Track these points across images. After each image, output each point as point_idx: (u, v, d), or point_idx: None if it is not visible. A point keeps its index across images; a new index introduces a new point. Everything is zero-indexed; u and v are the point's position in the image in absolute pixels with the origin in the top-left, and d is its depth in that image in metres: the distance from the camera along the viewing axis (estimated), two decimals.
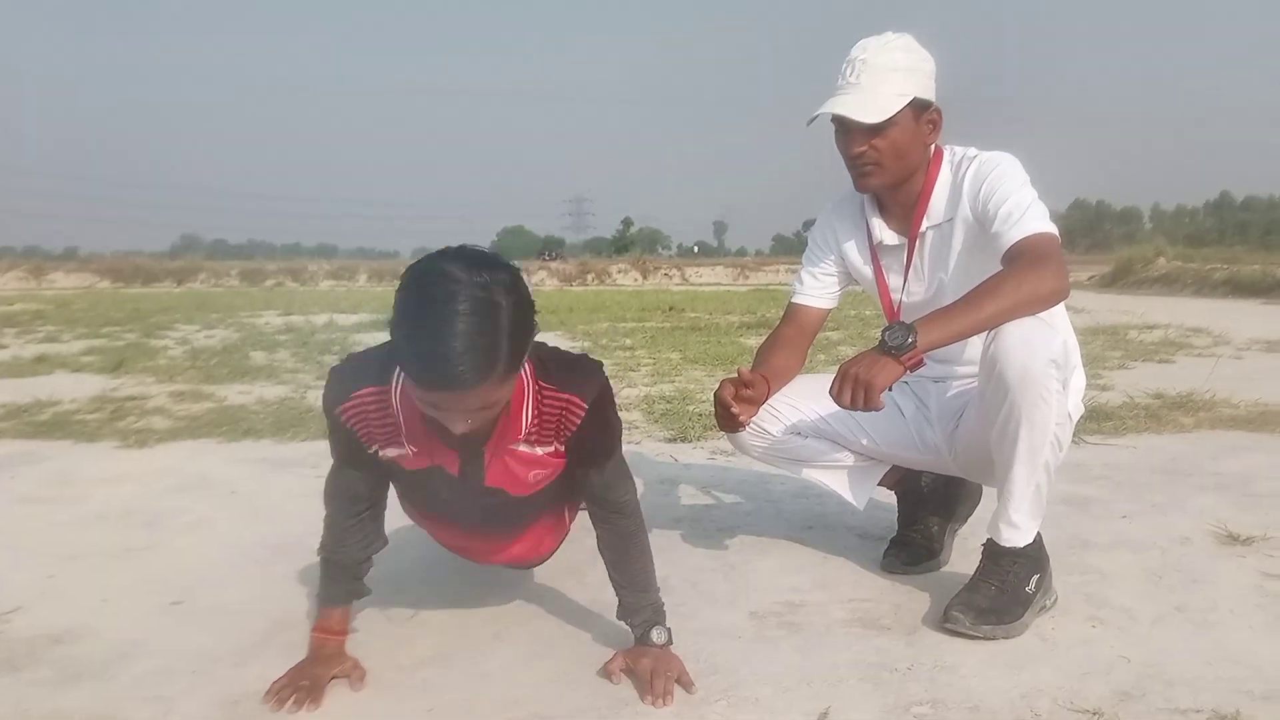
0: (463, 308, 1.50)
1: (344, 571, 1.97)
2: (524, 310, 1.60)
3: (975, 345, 2.18)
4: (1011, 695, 1.82)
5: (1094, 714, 1.73)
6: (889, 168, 2.26)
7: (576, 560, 2.47)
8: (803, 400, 2.45)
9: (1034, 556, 2.17)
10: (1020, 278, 2.02)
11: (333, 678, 1.88)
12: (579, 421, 1.85)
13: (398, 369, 1.76)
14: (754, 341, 8.41)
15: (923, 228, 2.34)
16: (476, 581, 2.44)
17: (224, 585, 2.46)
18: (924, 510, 2.59)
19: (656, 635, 1.92)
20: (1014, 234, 2.10)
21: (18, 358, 7.74)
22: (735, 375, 2.25)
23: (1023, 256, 2.07)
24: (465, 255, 1.57)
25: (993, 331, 2.03)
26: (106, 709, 1.81)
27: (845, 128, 2.25)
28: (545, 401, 1.85)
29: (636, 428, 4.55)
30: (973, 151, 2.32)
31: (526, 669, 1.97)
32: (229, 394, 5.72)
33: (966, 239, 2.28)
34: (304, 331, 10.09)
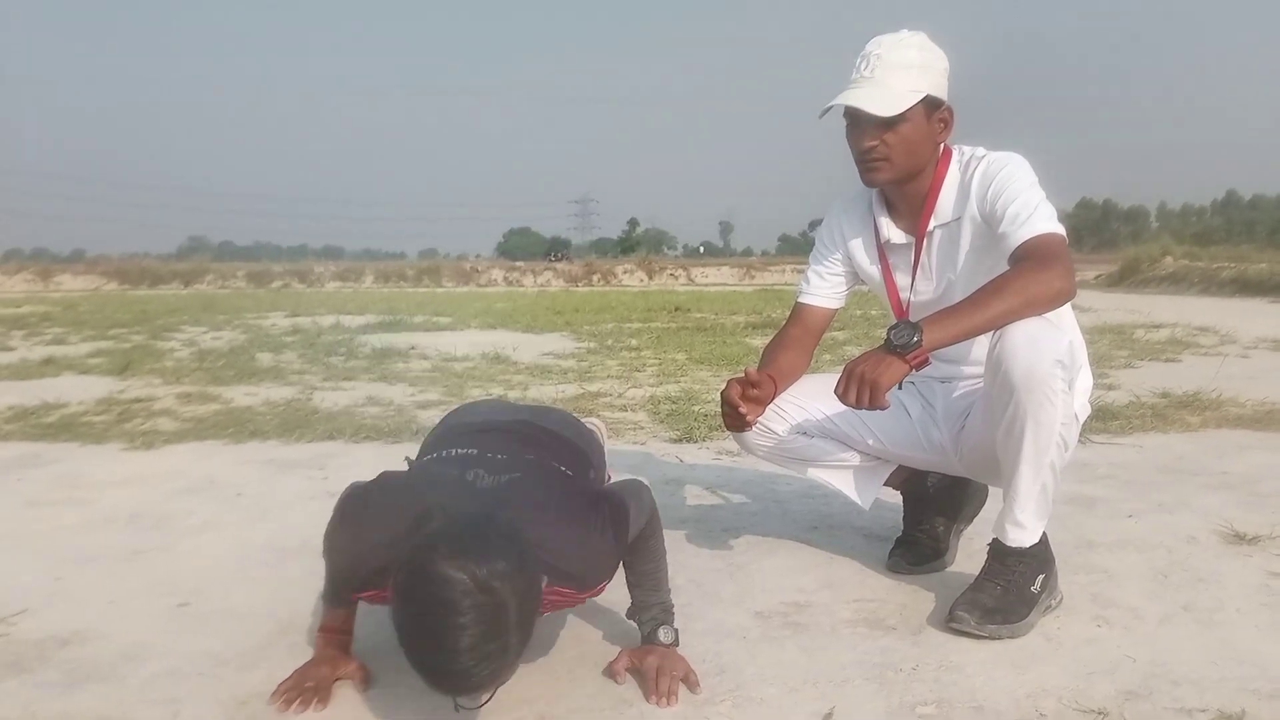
0: (466, 620, 1.42)
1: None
2: (530, 594, 1.53)
3: (981, 345, 2.18)
4: (1017, 695, 1.82)
5: (1100, 714, 1.73)
6: (898, 163, 2.26)
7: None
8: (809, 400, 2.45)
9: (1040, 556, 2.17)
10: (1027, 278, 2.02)
11: (338, 679, 1.89)
12: (598, 593, 1.89)
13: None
14: (760, 342, 8.41)
15: (930, 226, 2.34)
16: None
17: (231, 587, 2.47)
18: (930, 510, 2.58)
19: (664, 634, 1.92)
20: (1021, 234, 2.10)
21: (25, 360, 7.76)
22: (742, 375, 2.25)
23: (1030, 257, 2.07)
24: (460, 547, 1.47)
25: (998, 331, 2.03)
26: (114, 711, 1.81)
27: (857, 121, 2.25)
28: (557, 601, 1.82)
29: (642, 428, 4.55)
30: (981, 151, 2.32)
31: (531, 668, 1.97)
32: (236, 395, 5.74)
33: (975, 238, 2.28)
34: (310, 333, 10.09)
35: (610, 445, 3.05)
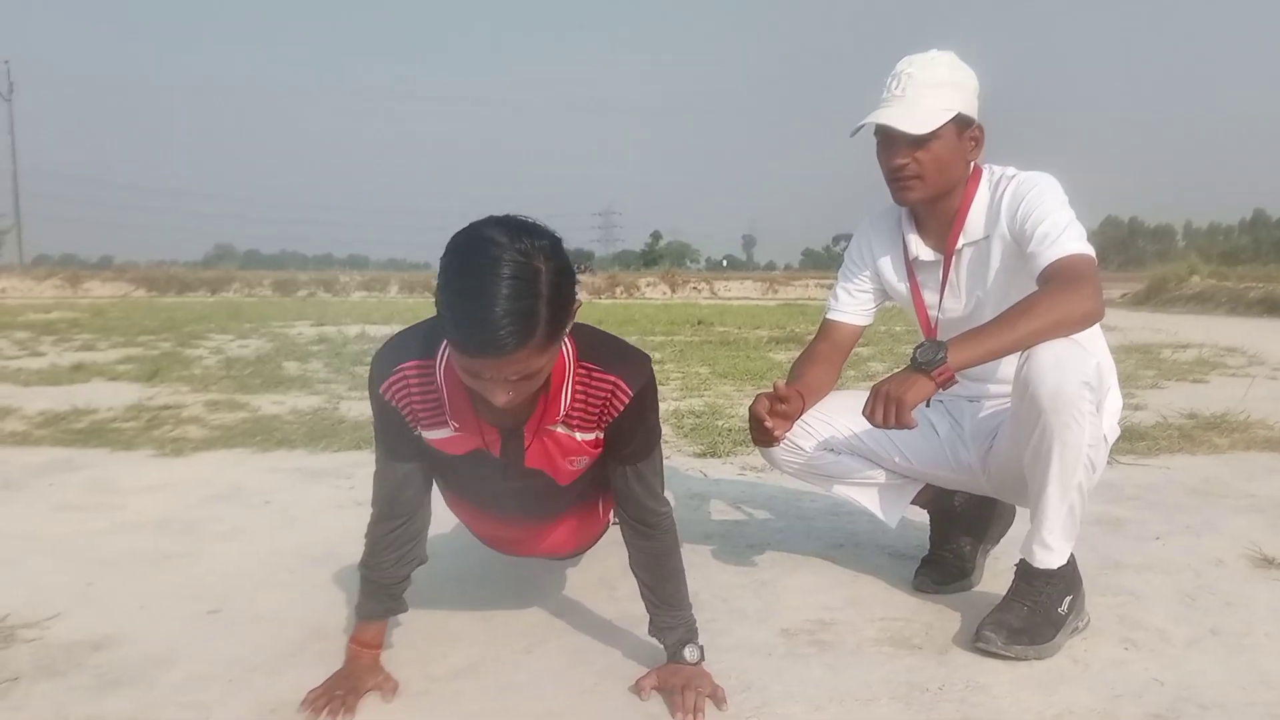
0: (504, 271, 1.52)
1: (381, 589, 1.98)
2: (564, 278, 1.62)
3: (1009, 364, 2.18)
4: (1044, 716, 1.82)
5: None
6: (930, 181, 2.26)
7: (608, 574, 2.48)
8: (837, 416, 2.46)
9: (1067, 578, 2.16)
10: (1055, 299, 2.02)
11: (368, 690, 1.90)
12: (622, 408, 1.86)
13: (442, 343, 1.80)
14: (783, 357, 8.41)
15: (959, 244, 2.35)
16: (509, 594, 2.46)
17: (259, 594, 2.49)
18: (956, 529, 2.58)
19: (689, 653, 1.92)
20: (1050, 254, 2.10)
21: (55, 365, 7.85)
22: (771, 390, 2.25)
23: (1058, 277, 2.07)
24: (507, 222, 1.60)
25: (1026, 352, 2.03)
26: (145, 715, 1.83)
27: (889, 139, 2.26)
28: (589, 382, 1.86)
29: (666, 442, 4.53)
30: (1011, 171, 2.32)
31: (558, 683, 1.98)
32: (263, 404, 5.78)
33: (1005, 258, 2.28)
34: (337, 342, 10.16)
35: None
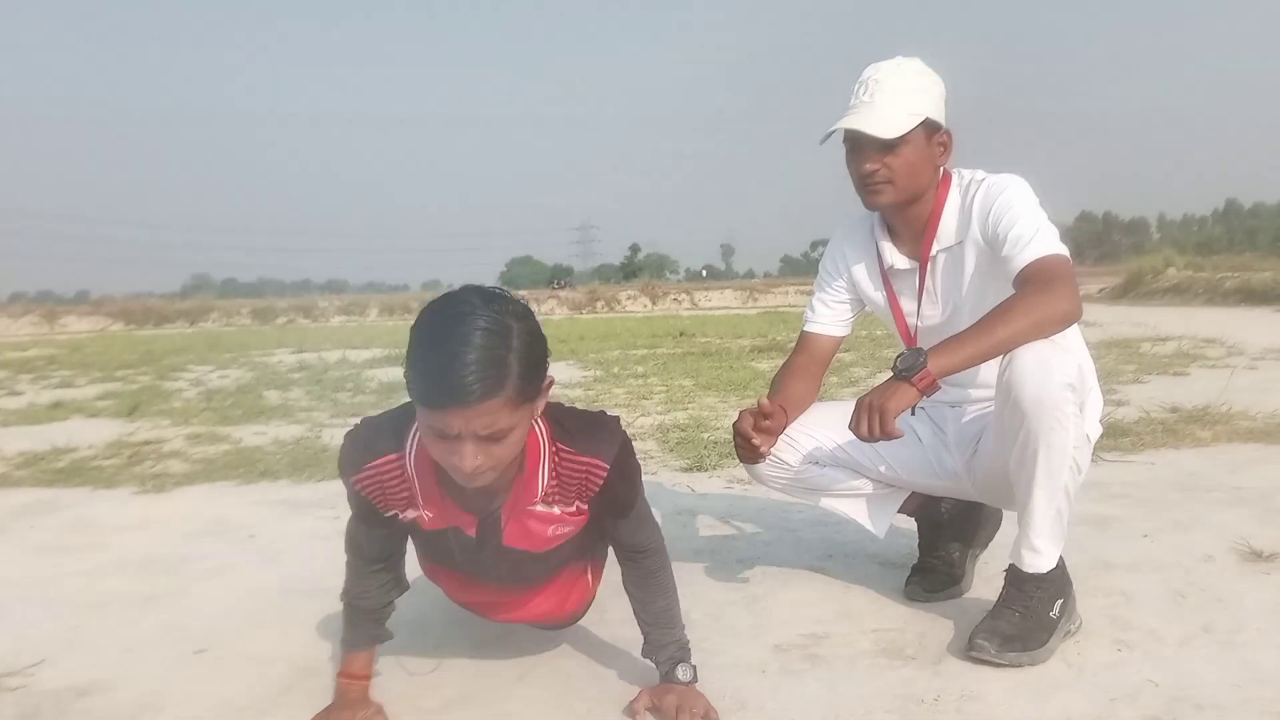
0: (476, 323, 1.53)
1: (366, 616, 1.97)
2: (536, 340, 1.62)
3: (990, 368, 2.17)
4: None
5: None
6: (901, 185, 2.26)
7: (599, 599, 2.45)
8: (820, 429, 2.45)
9: (1057, 581, 2.16)
10: (1031, 301, 2.02)
11: None
12: (601, 482, 1.85)
13: (412, 431, 1.77)
14: (766, 366, 8.41)
15: (933, 251, 2.35)
16: (499, 625, 2.43)
17: (246, 632, 2.46)
18: (945, 536, 2.58)
19: (681, 672, 1.91)
20: (1024, 257, 2.11)
21: (34, 404, 7.78)
22: (755, 406, 2.25)
23: (1034, 279, 2.07)
24: (479, 289, 1.62)
25: (1007, 356, 2.03)
26: None
27: (858, 145, 2.26)
28: (564, 465, 1.84)
29: (652, 457, 4.54)
30: (980, 175, 2.33)
31: (550, 711, 1.96)
32: (245, 435, 5.74)
33: (979, 262, 2.29)
34: (317, 369, 10.12)
35: None
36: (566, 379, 8.23)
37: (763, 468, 2.44)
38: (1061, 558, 2.18)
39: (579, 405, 6.50)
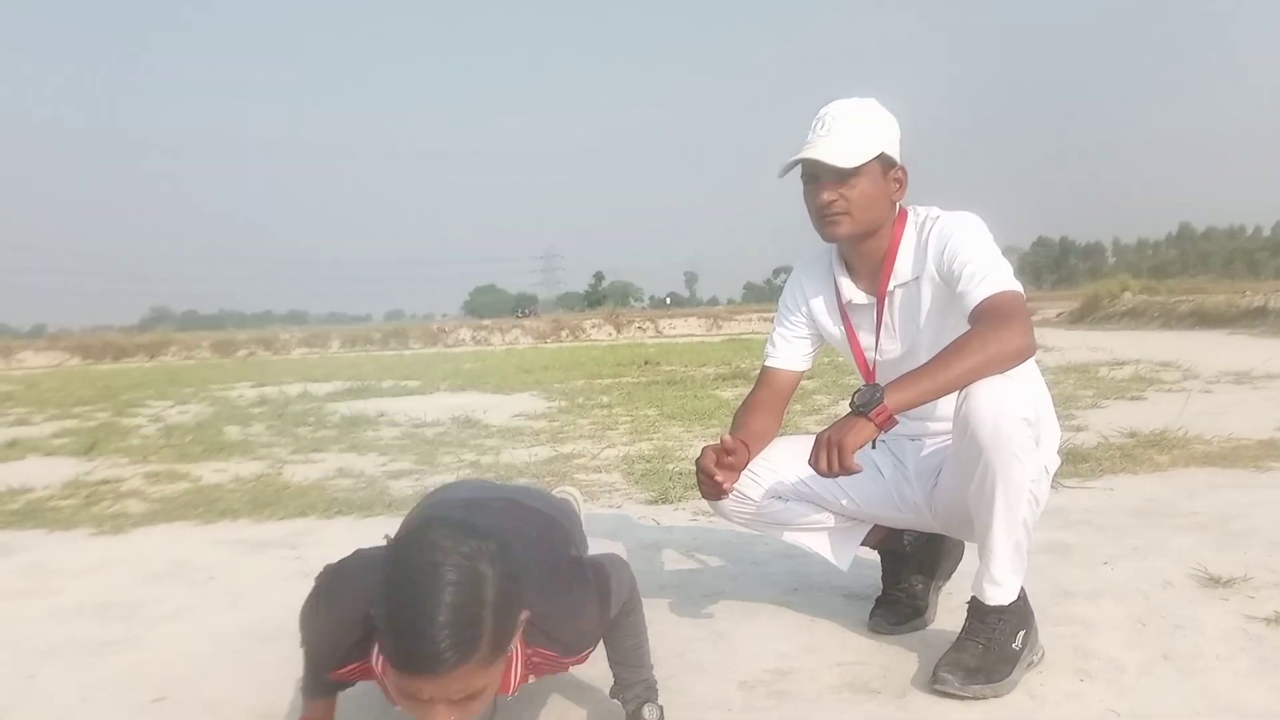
0: (447, 577, 1.46)
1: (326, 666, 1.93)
2: (510, 586, 1.55)
3: (948, 402, 2.19)
4: None
5: None
6: (857, 217, 2.29)
7: None
8: (782, 463, 2.46)
9: (1019, 612, 2.18)
10: (986, 336, 2.05)
11: None
12: (586, 651, 1.87)
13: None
14: (730, 394, 8.44)
15: (890, 286, 2.37)
16: None
17: (205, 678, 2.42)
18: (908, 569, 2.59)
19: (648, 712, 1.91)
20: (979, 292, 2.14)
21: None
22: (717, 443, 2.25)
23: (988, 315, 2.10)
24: (450, 527, 1.54)
25: (963, 391, 2.06)
26: None
27: (815, 176, 2.29)
28: (542, 661, 1.81)
29: (617, 490, 4.53)
30: (935, 211, 2.36)
31: None
32: (204, 472, 5.68)
33: (935, 298, 2.32)
34: (278, 403, 10.02)
35: (586, 509, 3.03)
36: (531, 410, 8.21)
37: (726, 503, 2.44)
38: (1023, 589, 2.20)
39: (543, 435, 6.39)
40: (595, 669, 2.02)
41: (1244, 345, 11.99)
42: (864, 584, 2.83)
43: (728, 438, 2.25)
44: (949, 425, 2.23)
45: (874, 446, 2.27)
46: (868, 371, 2.46)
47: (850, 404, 2.00)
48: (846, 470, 1.97)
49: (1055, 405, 2.34)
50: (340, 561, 1.85)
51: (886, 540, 2.64)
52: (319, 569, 1.89)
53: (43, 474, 5.84)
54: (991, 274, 2.15)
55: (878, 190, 2.30)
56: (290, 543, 3.80)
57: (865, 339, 2.47)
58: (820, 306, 2.53)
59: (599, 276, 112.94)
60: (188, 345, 32.05)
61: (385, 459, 5.88)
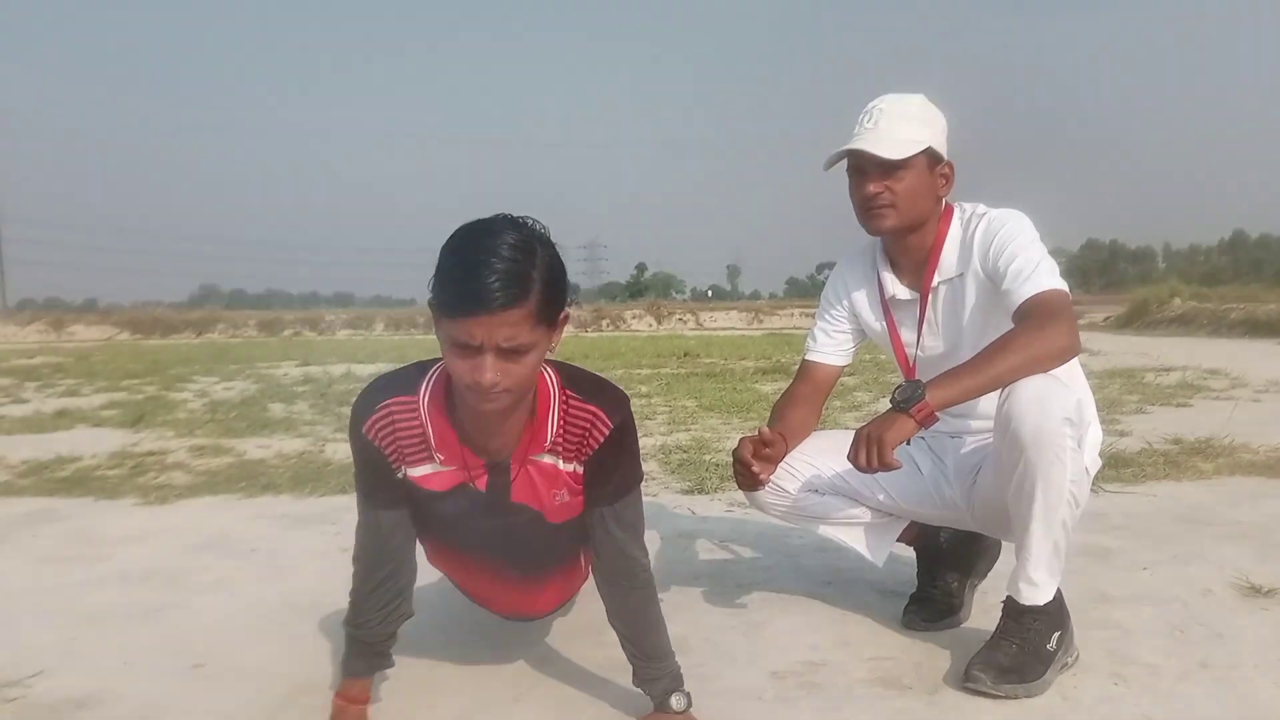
0: (505, 238, 1.61)
1: (367, 647, 1.97)
2: (558, 266, 1.68)
3: (990, 400, 2.18)
4: None
5: None
6: (902, 211, 2.28)
7: (594, 619, 2.45)
8: (820, 457, 2.46)
9: (1054, 614, 2.16)
10: (1030, 335, 2.04)
11: None
12: (602, 439, 1.87)
13: (425, 380, 1.83)
14: (769, 388, 8.41)
15: (934, 282, 2.36)
16: (496, 644, 2.44)
17: (245, 647, 2.47)
18: (943, 566, 2.58)
19: (676, 702, 1.91)
20: (1024, 291, 2.12)
21: (39, 412, 7.81)
22: (755, 434, 2.26)
23: (1033, 314, 2.09)
24: (509, 217, 1.69)
25: (1006, 390, 2.04)
26: None
27: (861, 170, 2.28)
28: (572, 411, 1.87)
29: (654, 479, 4.54)
30: (982, 209, 2.34)
31: None
32: (248, 448, 5.76)
33: (979, 295, 2.30)
34: (322, 382, 10.14)
35: None
36: None
37: (763, 495, 2.44)
38: (1059, 590, 2.18)
39: None
40: (621, 654, 2.02)
41: None
42: (898, 579, 2.82)
43: (766, 430, 2.25)
44: (990, 423, 2.22)
45: (911, 443, 2.27)
46: (908, 368, 2.45)
47: (891, 400, 1.99)
48: (886, 466, 1.96)
49: (1099, 409, 2.32)
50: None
51: (922, 537, 2.63)
52: None
53: (91, 444, 5.96)
54: (1037, 272, 2.13)
55: (923, 184, 2.29)
56: (331, 519, 3.85)
57: (907, 335, 2.46)
58: (862, 300, 2.52)
59: (641, 267, 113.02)
60: (235, 323, 32.50)
61: None
